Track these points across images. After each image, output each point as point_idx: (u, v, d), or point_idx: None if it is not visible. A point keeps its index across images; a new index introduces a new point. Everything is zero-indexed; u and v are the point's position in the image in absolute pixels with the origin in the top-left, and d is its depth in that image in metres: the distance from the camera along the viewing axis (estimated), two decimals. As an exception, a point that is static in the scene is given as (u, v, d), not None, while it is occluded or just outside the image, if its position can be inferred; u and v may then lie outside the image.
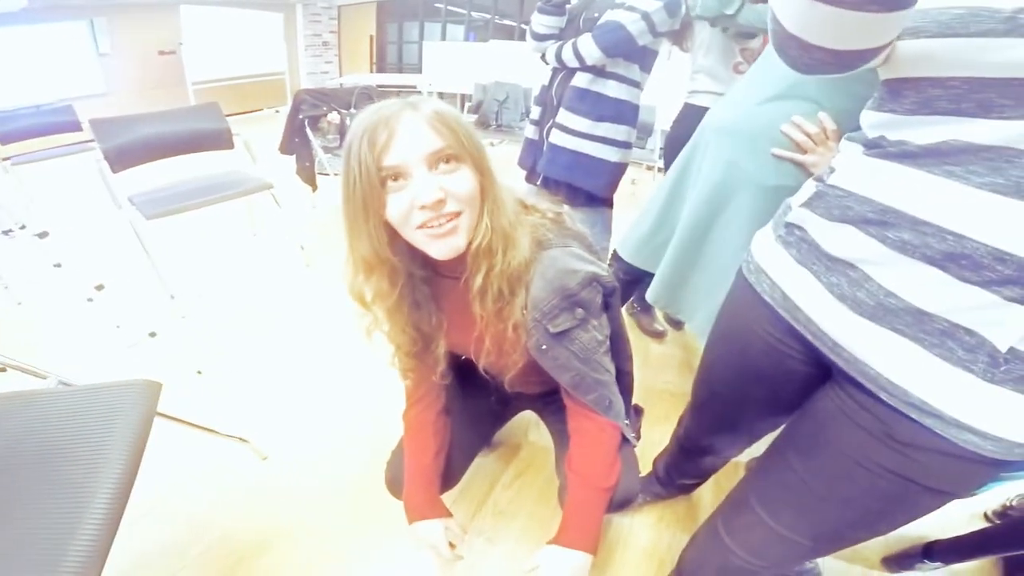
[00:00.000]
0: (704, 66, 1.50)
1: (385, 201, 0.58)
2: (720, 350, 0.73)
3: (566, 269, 0.65)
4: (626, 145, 1.59)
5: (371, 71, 6.77)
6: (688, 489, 1.14)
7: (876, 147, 0.49)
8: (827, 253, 0.51)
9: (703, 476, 1.05)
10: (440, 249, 0.60)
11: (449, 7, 6.15)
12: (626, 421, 0.79)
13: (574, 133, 1.53)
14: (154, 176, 2.11)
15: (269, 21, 5.98)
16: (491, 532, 1.11)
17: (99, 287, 2.01)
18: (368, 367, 1.57)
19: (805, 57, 0.45)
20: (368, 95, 3.22)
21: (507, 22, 6.02)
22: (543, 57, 1.60)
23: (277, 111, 6.14)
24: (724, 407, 0.78)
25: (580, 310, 0.67)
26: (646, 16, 1.37)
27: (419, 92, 5.94)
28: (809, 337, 0.54)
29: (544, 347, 0.68)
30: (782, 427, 0.67)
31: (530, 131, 1.72)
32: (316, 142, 2.86)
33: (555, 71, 1.60)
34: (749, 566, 0.66)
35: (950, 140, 0.41)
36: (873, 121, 0.50)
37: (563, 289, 0.65)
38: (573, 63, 1.49)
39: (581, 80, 1.51)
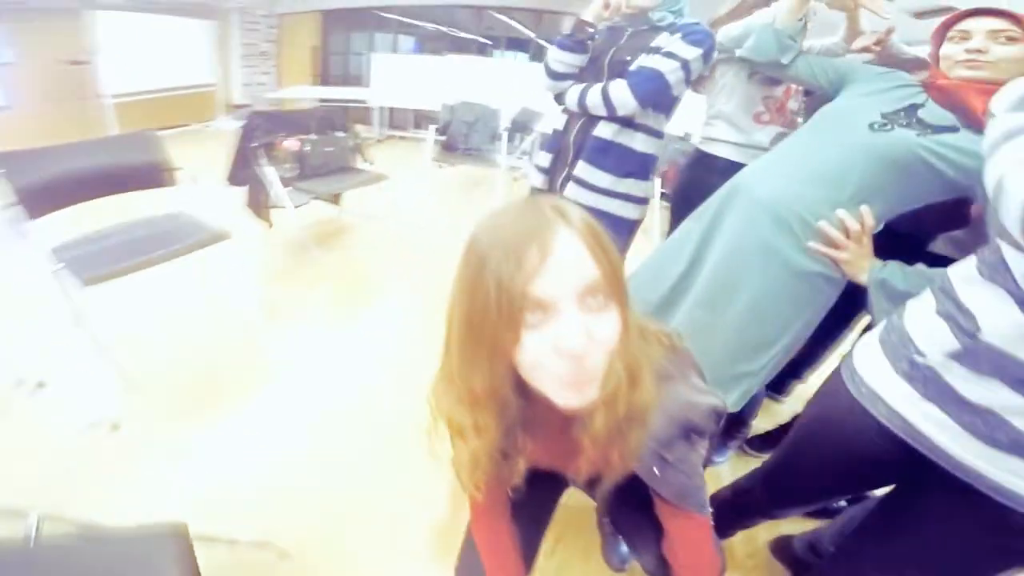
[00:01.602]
0: (724, 112, 1.48)
1: (520, 337, 0.49)
2: (814, 451, 0.83)
3: (690, 403, 0.64)
4: (646, 201, 1.54)
5: (313, 84, 6.48)
6: (724, 537, 1.24)
7: None
8: (965, 399, 0.58)
9: (745, 528, 1.16)
10: (570, 400, 0.52)
11: (401, 18, 6.02)
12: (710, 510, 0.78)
13: (595, 189, 1.45)
14: (69, 220, 1.78)
15: (197, 29, 5.57)
16: None
17: (40, 384, 1.63)
18: (363, 425, 1.58)
19: None
20: (329, 120, 3.06)
21: (464, 35, 5.97)
22: (557, 98, 1.49)
23: (207, 125, 5.74)
24: (805, 493, 0.91)
25: (696, 436, 0.66)
26: (685, 65, 1.28)
27: (367, 106, 5.79)
28: (929, 455, 0.63)
29: (656, 471, 0.67)
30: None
31: (537, 179, 1.61)
32: (271, 173, 2.65)
33: (572, 116, 1.47)
34: None
35: None
36: None
37: (686, 422, 0.64)
38: (600, 111, 1.36)
39: (606, 131, 1.40)
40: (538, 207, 0.51)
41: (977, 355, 0.57)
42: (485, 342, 0.51)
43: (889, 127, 0.91)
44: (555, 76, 1.46)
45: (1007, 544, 0.63)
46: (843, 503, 1.38)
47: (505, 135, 3.97)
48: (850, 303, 1.03)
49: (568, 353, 0.48)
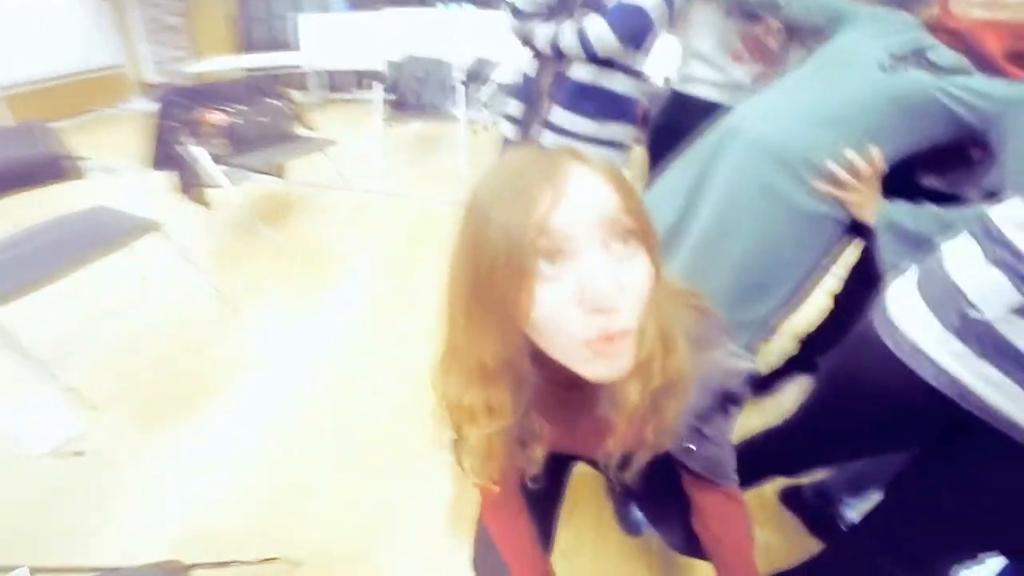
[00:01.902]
0: (701, 51, 1.36)
1: (532, 295, 0.41)
2: (846, 410, 0.79)
3: (728, 370, 0.59)
4: (629, 147, 1.43)
5: (235, 52, 5.94)
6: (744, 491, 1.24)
7: None
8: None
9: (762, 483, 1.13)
10: (602, 370, 0.44)
11: (324, -28, 5.50)
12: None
13: (575, 137, 1.32)
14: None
15: (91, 9, 4.99)
16: None
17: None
18: (346, 412, 1.50)
19: None
20: (257, 87, 2.77)
21: None
22: (525, 40, 1.34)
23: (120, 109, 5.24)
24: (836, 453, 0.88)
25: (733, 407, 0.63)
26: (669, 1, 1.19)
27: (302, 71, 5.38)
28: (983, 416, 0.59)
29: (692, 447, 0.63)
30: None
31: (508, 130, 1.46)
32: (199, 151, 2.37)
33: (544, 60, 1.34)
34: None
35: None
36: None
37: (724, 391, 0.60)
38: (577, 53, 1.24)
39: (583, 73, 1.28)
40: (546, 153, 0.45)
41: None
42: (495, 306, 0.43)
43: (901, 68, 0.89)
44: (523, 16, 1.31)
45: None
46: None
47: (461, 88, 3.75)
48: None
49: (594, 302, 0.40)
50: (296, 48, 5.56)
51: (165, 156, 2.36)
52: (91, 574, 0.78)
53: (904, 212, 0.88)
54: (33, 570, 0.76)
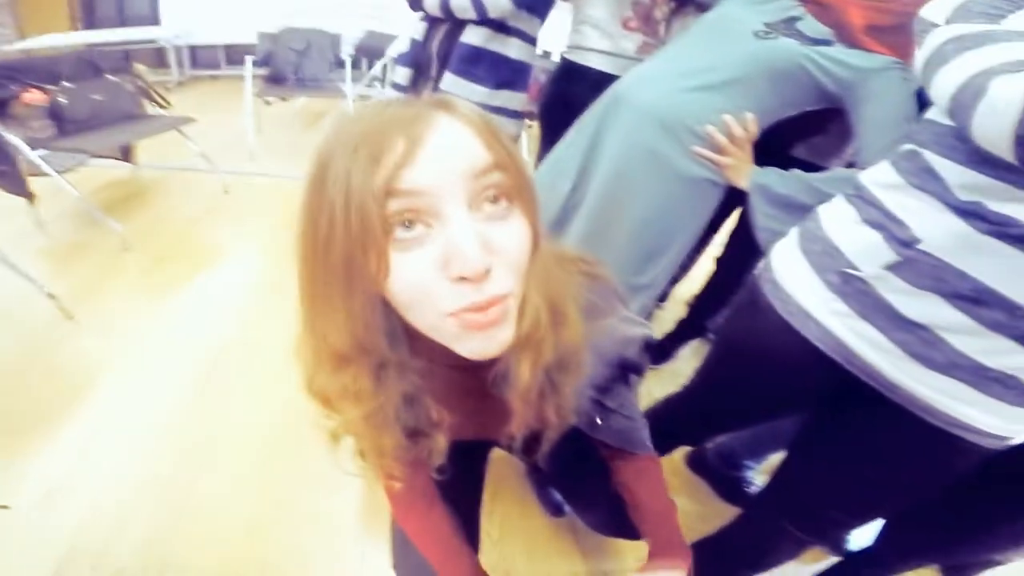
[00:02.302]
0: (592, 17, 1.34)
1: (388, 262, 0.36)
2: (738, 372, 0.80)
3: (623, 338, 0.58)
4: (523, 116, 1.40)
5: (73, 29, 5.21)
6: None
7: (977, 217, 0.50)
8: (899, 314, 0.57)
9: (669, 452, 1.14)
10: (479, 346, 0.40)
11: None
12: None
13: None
14: None
15: None
16: (504, 565, 1.10)
17: None
18: (228, 411, 1.37)
19: None
20: (89, 61, 2.43)
21: None
22: (413, 4, 1.27)
23: None
24: (733, 417, 0.91)
25: (634, 375, 0.63)
26: None
27: (158, 46, 4.83)
28: (859, 375, 0.62)
29: (598, 421, 0.62)
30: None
31: None
32: (15, 137, 2.03)
33: (433, 23, 1.29)
34: (814, 542, 0.82)
35: None
36: (966, 181, 0.51)
37: (622, 360, 0.58)
38: (468, 14, 1.18)
39: (474, 36, 1.22)
40: (411, 101, 0.40)
41: (917, 266, 0.55)
42: (337, 277, 0.38)
43: (774, 36, 0.93)
44: None
45: (937, 463, 0.64)
46: None
47: (349, 61, 3.54)
48: (720, 209, 1.08)
49: (461, 270, 0.35)
50: (151, 23, 4.98)
51: (-31, 143, 2.00)
52: None
53: (774, 176, 0.93)
54: None
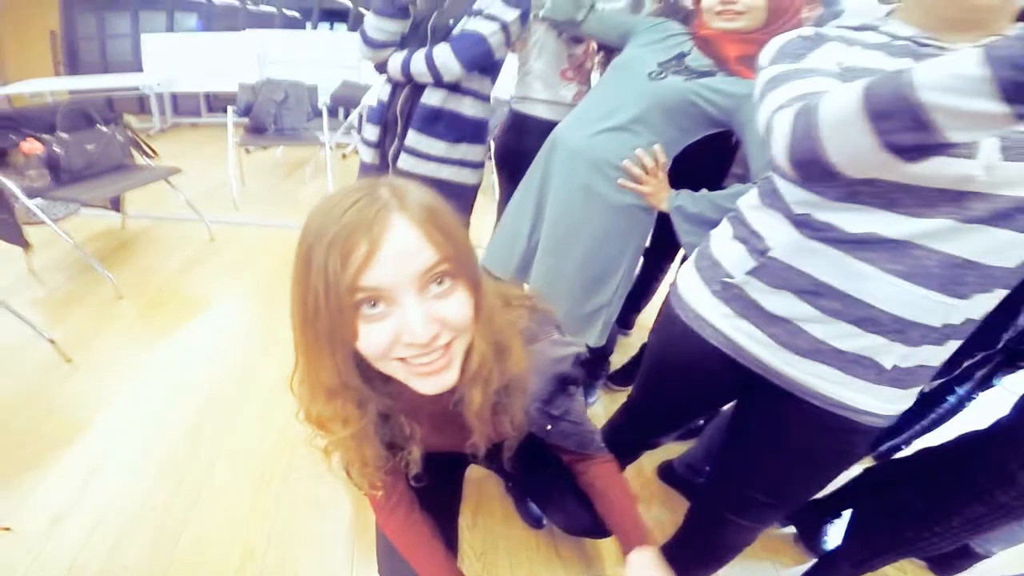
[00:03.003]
0: (535, 70, 1.54)
1: (357, 331, 0.49)
2: (663, 376, 0.92)
3: (557, 358, 0.70)
4: (481, 165, 1.57)
5: (57, 74, 5.32)
6: (623, 469, 1.33)
7: (806, 226, 0.62)
8: (766, 311, 0.67)
9: (630, 463, 1.24)
10: (428, 387, 0.54)
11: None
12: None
13: (429, 158, 1.44)
14: None
15: None
16: (488, 574, 1.18)
17: None
18: (224, 447, 1.46)
19: (822, 176, 0.53)
20: (81, 111, 2.54)
21: (264, 8, 5.37)
22: (378, 68, 1.44)
23: None
24: (666, 417, 1.01)
25: (572, 387, 0.74)
26: (505, 27, 1.31)
27: (139, 94, 4.95)
28: (751, 368, 0.72)
29: (549, 428, 0.73)
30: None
31: (367, 155, 1.55)
32: (10, 185, 2.14)
33: (396, 85, 1.44)
34: (752, 527, 0.89)
35: (871, 232, 0.57)
36: (799, 198, 0.63)
37: (558, 375, 0.70)
38: (426, 79, 1.35)
39: (433, 98, 1.38)
40: (374, 190, 0.48)
41: (769, 269, 0.65)
42: (323, 337, 0.49)
43: (664, 75, 1.05)
44: (374, 44, 1.39)
45: (833, 444, 0.71)
46: (700, 422, 1.55)
47: (326, 111, 3.75)
48: (670, 239, 1.17)
49: (411, 345, 0.48)
50: (134, 70, 5.13)
51: (-36, 191, 2.10)
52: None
53: (686, 198, 1.06)
54: None
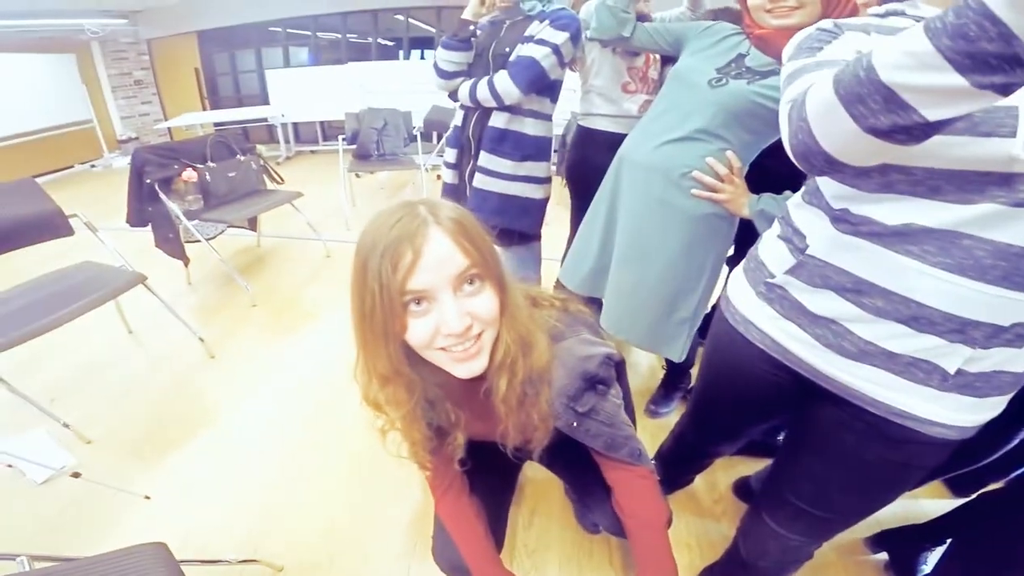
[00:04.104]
0: (596, 87, 1.62)
1: (406, 324, 0.60)
2: (717, 383, 0.90)
3: (583, 356, 0.73)
4: (548, 180, 1.69)
5: (203, 108, 6.20)
6: (684, 485, 1.35)
7: (844, 222, 0.60)
8: (810, 312, 0.64)
9: (698, 473, 1.25)
10: (463, 371, 0.65)
11: (289, 30, 5.87)
12: (652, 461, 0.88)
13: (499, 176, 1.58)
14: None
15: (56, 65, 5.17)
16: (536, 572, 1.22)
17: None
18: (328, 441, 1.63)
19: (826, 167, 0.52)
20: (225, 143, 2.98)
21: (360, 39, 5.91)
22: (451, 96, 1.61)
23: (93, 166, 5.37)
24: (724, 425, 0.97)
25: (601, 386, 0.75)
26: (556, 50, 1.42)
27: (268, 124, 5.60)
28: (800, 371, 0.69)
29: (575, 424, 0.75)
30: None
31: (448, 175, 1.74)
32: (175, 208, 2.58)
33: (468, 111, 1.60)
34: (803, 544, 0.86)
35: (910, 224, 0.53)
36: (836, 192, 0.61)
37: (584, 373, 0.72)
38: (490, 103, 1.49)
39: (498, 120, 1.53)
40: (413, 209, 0.59)
41: (808, 268, 0.64)
42: (378, 331, 0.60)
43: (724, 81, 1.04)
44: (446, 75, 1.56)
45: (894, 457, 0.66)
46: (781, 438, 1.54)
47: (420, 136, 4.03)
48: (751, 244, 1.18)
49: (450, 333, 0.59)
50: (262, 102, 5.83)
51: (140, 212, 2.54)
52: (82, 561, 0.84)
53: (769, 201, 1.03)
54: (31, 558, 0.89)
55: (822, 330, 0.63)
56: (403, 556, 1.29)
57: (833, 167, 0.51)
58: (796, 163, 0.55)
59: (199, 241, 2.58)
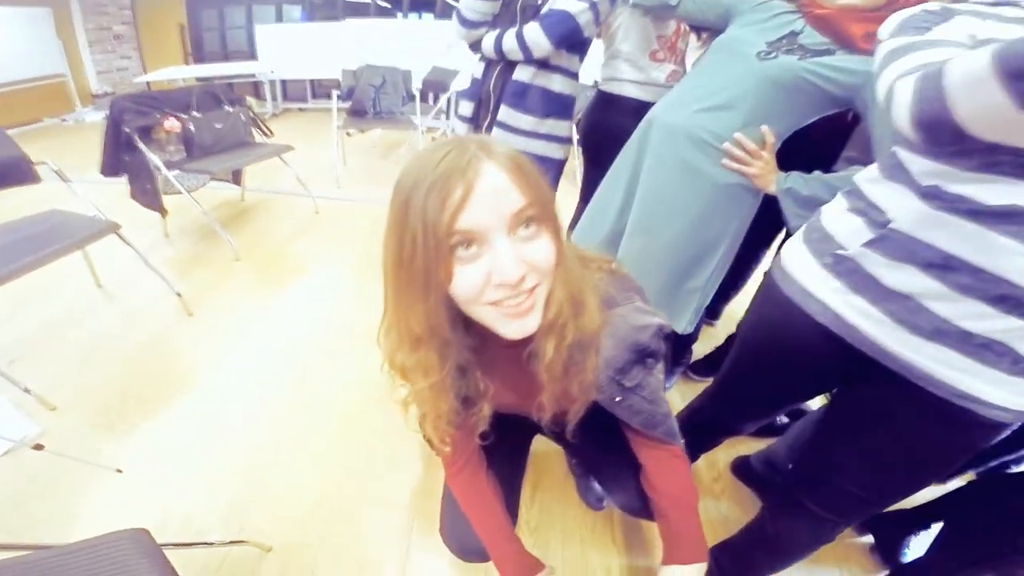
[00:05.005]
0: (623, 52, 1.54)
1: (452, 272, 0.51)
2: (758, 355, 0.88)
3: (637, 325, 0.66)
4: (569, 140, 1.60)
5: (186, 63, 5.95)
6: (696, 458, 1.30)
7: (936, 198, 0.58)
8: (885, 286, 0.63)
9: (707, 451, 1.21)
10: (514, 330, 0.56)
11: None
12: (682, 440, 0.82)
13: (519, 132, 1.49)
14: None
15: (34, 18, 4.92)
16: (539, 549, 1.18)
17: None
18: (314, 406, 1.56)
19: (950, 138, 0.51)
20: (213, 94, 2.83)
21: None
22: (472, 47, 1.51)
23: (64, 120, 5.16)
24: (759, 400, 0.95)
25: (651, 360, 0.70)
26: (594, 6, 1.34)
27: (255, 80, 5.42)
28: (862, 348, 0.67)
29: (618, 399, 0.70)
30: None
31: (462, 129, 1.64)
32: (154, 158, 2.43)
33: (490, 63, 1.51)
34: (836, 524, 0.84)
35: (1015, 204, 0.52)
36: (927, 169, 0.60)
37: (636, 344, 0.66)
38: (517, 56, 1.40)
39: (523, 74, 1.44)
40: (462, 144, 0.51)
41: (891, 241, 0.62)
42: (417, 281, 0.52)
43: (774, 55, 1.01)
44: (469, 24, 1.47)
45: (952, 438, 0.66)
46: (786, 420, 1.51)
47: (418, 95, 3.93)
48: (767, 225, 1.16)
49: (502, 284, 0.51)
50: (249, 58, 5.63)
51: (115, 162, 2.40)
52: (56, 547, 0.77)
53: (797, 180, 1.03)
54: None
55: (895, 305, 0.63)
56: (401, 533, 1.21)
57: (958, 140, 0.50)
58: (911, 132, 0.54)
59: (179, 193, 2.44)
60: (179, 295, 1.97)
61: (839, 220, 0.71)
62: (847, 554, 1.23)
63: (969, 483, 1.15)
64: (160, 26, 5.90)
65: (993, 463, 1.30)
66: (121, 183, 2.39)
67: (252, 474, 1.33)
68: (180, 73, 4.79)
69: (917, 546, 1.17)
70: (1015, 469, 1.26)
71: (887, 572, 1.16)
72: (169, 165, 2.47)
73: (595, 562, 1.18)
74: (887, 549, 1.22)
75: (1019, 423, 0.62)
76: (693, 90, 1.14)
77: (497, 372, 0.68)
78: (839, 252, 0.68)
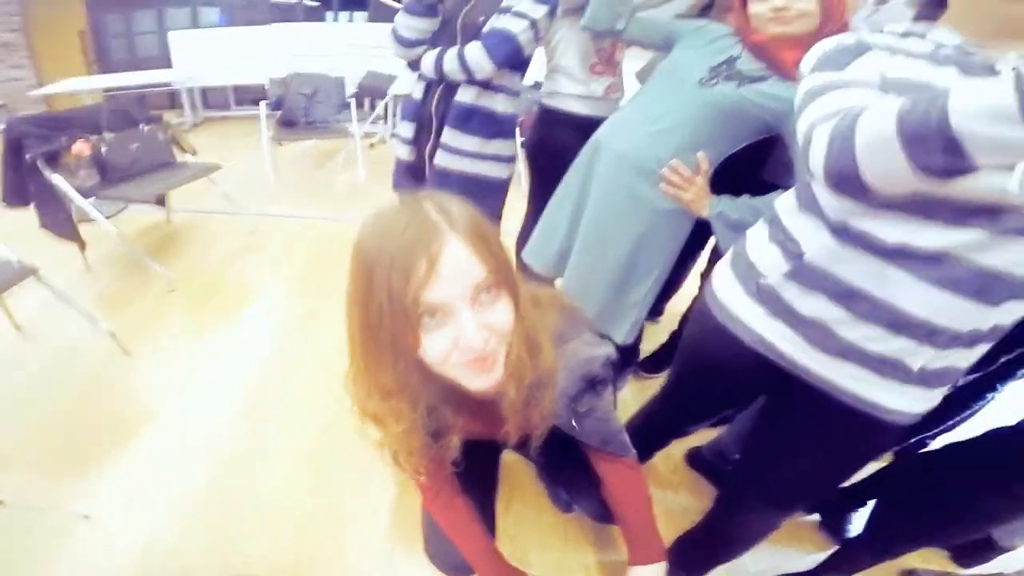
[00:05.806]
0: (562, 66, 1.56)
1: (420, 339, 0.55)
2: (697, 373, 0.96)
3: (587, 358, 0.74)
4: (513, 159, 1.60)
5: (89, 73, 5.50)
6: (645, 460, 1.35)
7: (844, 232, 0.64)
8: (798, 313, 0.71)
9: (661, 448, 1.28)
10: (480, 384, 0.60)
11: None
12: (634, 451, 0.90)
13: (464, 154, 1.48)
14: None
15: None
16: (519, 556, 1.22)
17: None
18: (273, 433, 1.54)
19: (856, 192, 0.56)
20: (123, 112, 2.65)
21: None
22: (411, 65, 1.48)
23: None
24: (700, 408, 1.05)
25: (600, 386, 0.78)
26: (534, 24, 1.34)
27: (172, 89, 5.08)
28: (784, 365, 0.75)
29: (573, 423, 0.78)
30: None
31: (403, 152, 1.60)
32: (65, 186, 2.25)
33: (430, 83, 1.48)
34: (779, 515, 0.94)
35: (906, 243, 0.58)
36: (834, 205, 0.65)
37: (587, 375, 0.74)
38: (458, 77, 1.38)
39: (466, 95, 1.42)
40: (421, 211, 0.53)
41: (804, 274, 0.68)
42: (386, 346, 0.55)
43: (714, 81, 1.06)
44: (406, 43, 1.43)
45: (861, 438, 0.76)
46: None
47: (353, 102, 3.85)
48: (699, 233, 1.23)
49: (467, 351, 0.55)
50: (163, 65, 5.29)
51: (18, 191, 2.21)
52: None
53: (727, 204, 1.09)
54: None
55: (808, 330, 0.70)
56: (386, 549, 1.24)
57: (863, 193, 0.55)
58: (822, 181, 0.58)
59: (91, 221, 2.27)
60: (112, 335, 1.83)
61: (761, 250, 0.77)
62: (800, 533, 1.33)
63: (892, 462, 1.28)
64: (57, 33, 5.42)
65: (911, 441, 1.44)
66: (26, 213, 2.20)
67: (227, 507, 1.32)
68: (85, 84, 4.41)
69: (858, 521, 1.26)
70: (932, 445, 1.39)
71: (837, 547, 1.23)
72: (82, 192, 2.29)
73: (574, 562, 1.24)
74: (833, 526, 1.33)
75: (913, 423, 0.71)
76: (638, 113, 1.19)
77: (465, 408, 0.73)
78: (761, 281, 0.75)
